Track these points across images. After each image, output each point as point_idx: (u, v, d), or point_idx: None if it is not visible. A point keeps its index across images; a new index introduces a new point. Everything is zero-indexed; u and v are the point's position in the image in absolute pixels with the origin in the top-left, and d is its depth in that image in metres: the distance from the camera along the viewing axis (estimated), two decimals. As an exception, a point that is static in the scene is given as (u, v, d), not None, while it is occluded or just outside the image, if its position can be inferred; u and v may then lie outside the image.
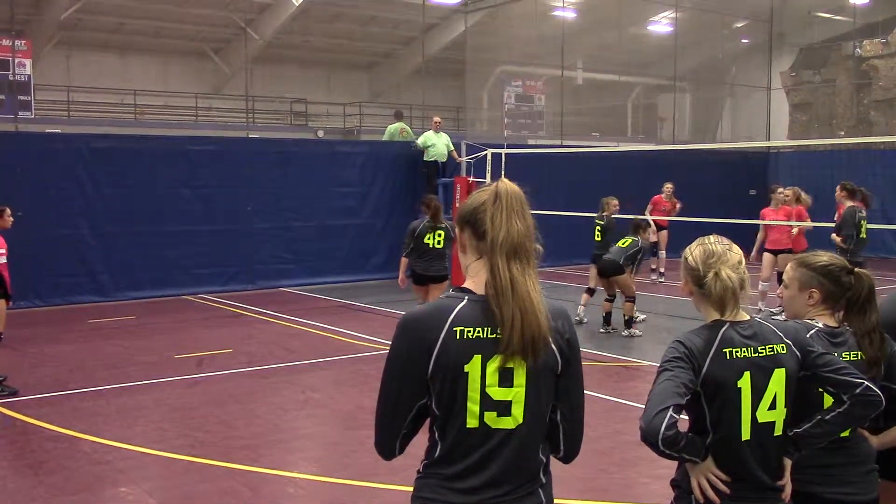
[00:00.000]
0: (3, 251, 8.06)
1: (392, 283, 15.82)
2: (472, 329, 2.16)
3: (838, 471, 2.96)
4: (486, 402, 2.17)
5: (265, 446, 6.58)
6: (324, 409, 7.84)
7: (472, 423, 2.18)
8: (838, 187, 10.91)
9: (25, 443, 6.70)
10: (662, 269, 15.85)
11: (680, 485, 2.76)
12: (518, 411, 2.19)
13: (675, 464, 2.77)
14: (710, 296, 2.68)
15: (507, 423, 2.19)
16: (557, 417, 2.29)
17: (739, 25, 27.76)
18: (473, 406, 2.17)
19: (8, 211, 8.49)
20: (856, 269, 3.08)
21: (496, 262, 2.18)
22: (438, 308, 2.21)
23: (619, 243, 10.83)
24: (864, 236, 10.43)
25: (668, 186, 15.63)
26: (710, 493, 2.64)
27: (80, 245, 13.46)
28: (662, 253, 15.81)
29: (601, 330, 10.97)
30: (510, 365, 2.17)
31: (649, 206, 15.45)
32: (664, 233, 15.72)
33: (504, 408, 2.18)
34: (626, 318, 10.72)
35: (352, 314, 12.68)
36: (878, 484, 3.04)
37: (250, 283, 14.91)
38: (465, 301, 2.21)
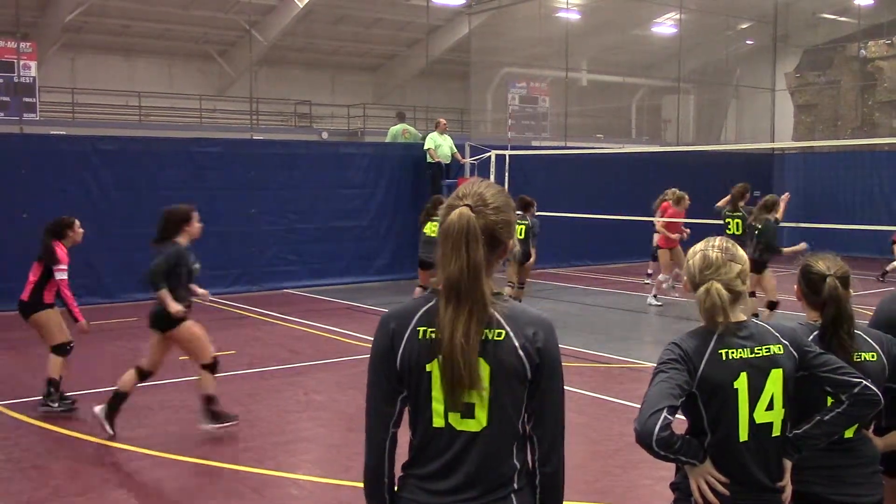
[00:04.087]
0: (64, 267, 7.55)
1: (396, 284, 15.90)
2: (433, 329, 2.20)
3: (842, 472, 2.96)
4: (450, 403, 2.20)
5: (269, 448, 6.60)
6: (327, 411, 7.85)
7: (438, 422, 2.22)
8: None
9: (30, 444, 6.71)
10: (678, 270, 15.76)
11: (679, 487, 2.77)
12: (482, 414, 2.20)
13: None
14: (700, 307, 2.71)
15: (472, 426, 2.21)
16: (528, 428, 2.28)
17: (744, 27, 27.72)
18: (438, 405, 2.21)
19: (77, 223, 7.86)
20: (828, 277, 3.06)
21: (440, 303, 2.20)
22: (408, 307, 2.28)
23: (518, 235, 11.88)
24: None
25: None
26: (710, 496, 2.64)
27: (85, 246, 13.33)
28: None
29: None
30: None
31: (658, 212, 14.61)
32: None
33: (467, 409, 2.20)
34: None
35: (356, 316, 12.69)
36: (882, 485, 3.03)
37: (254, 285, 14.93)
38: (434, 301, 2.24)
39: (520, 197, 12.22)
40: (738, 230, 10.95)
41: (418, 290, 11.37)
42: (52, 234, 7.61)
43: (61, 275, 7.44)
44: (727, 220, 11.10)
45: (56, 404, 7.48)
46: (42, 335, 7.62)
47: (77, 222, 7.79)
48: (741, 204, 11.07)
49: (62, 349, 7.55)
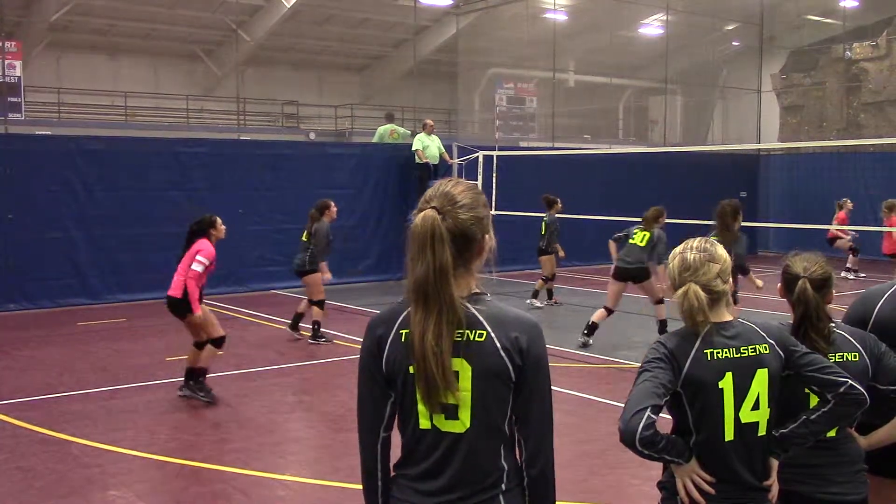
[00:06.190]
0: (206, 262, 7.58)
1: (383, 285, 15.89)
2: None
3: (827, 471, 2.98)
4: (428, 404, 2.21)
5: (256, 449, 6.58)
6: (314, 411, 7.84)
7: (424, 424, 2.23)
8: None
9: (15, 446, 6.66)
10: (850, 265, 17.22)
11: (666, 486, 2.78)
12: (465, 415, 2.21)
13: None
14: (680, 309, 2.72)
15: (456, 427, 2.21)
16: (516, 430, 2.28)
17: (730, 28, 27.84)
18: (423, 407, 2.22)
19: (219, 220, 7.84)
20: (800, 279, 3.08)
21: (410, 307, 2.21)
22: (393, 310, 2.29)
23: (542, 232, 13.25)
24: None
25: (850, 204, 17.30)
26: (696, 495, 2.65)
27: (70, 247, 13.41)
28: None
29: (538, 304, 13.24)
30: (454, 368, 2.19)
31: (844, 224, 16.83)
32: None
33: (451, 411, 2.20)
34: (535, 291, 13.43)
35: (342, 317, 12.66)
36: (866, 484, 3.05)
37: (241, 286, 14.89)
38: None
39: (544, 195, 13.53)
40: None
41: (304, 302, 11.24)
42: (197, 234, 7.76)
43: (198, 266, 7.57)
44: (715, 237, 11.14)
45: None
46: (201, 332, 7.82)
47: (219, 220, 7.88)
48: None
49: (221, 341, 7.90)
